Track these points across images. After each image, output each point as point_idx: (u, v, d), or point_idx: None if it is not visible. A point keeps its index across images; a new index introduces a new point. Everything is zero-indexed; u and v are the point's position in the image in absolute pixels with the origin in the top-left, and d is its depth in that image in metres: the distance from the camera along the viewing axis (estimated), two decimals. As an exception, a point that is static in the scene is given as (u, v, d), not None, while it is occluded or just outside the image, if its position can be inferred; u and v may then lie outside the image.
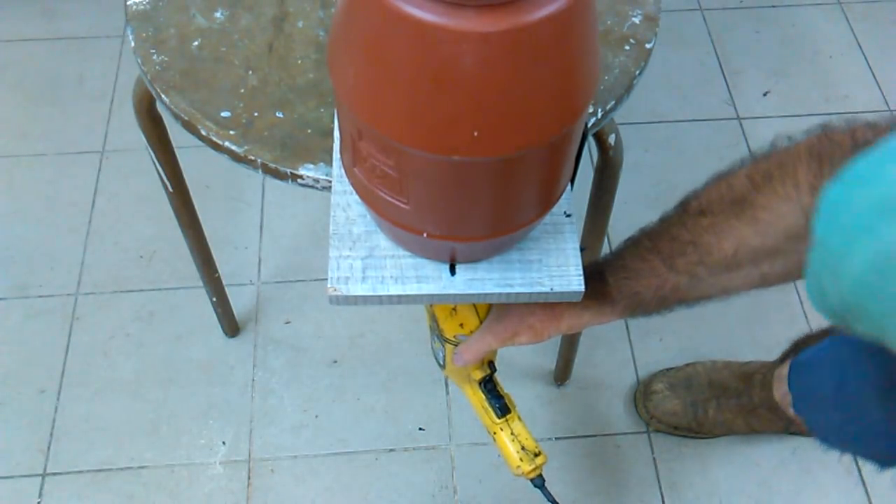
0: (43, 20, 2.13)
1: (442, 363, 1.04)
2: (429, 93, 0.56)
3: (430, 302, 0.78)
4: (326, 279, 0.74)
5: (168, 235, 1.72)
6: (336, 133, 0.80)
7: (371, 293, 0.74)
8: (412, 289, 0.75)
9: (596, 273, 0.83)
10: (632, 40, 1.00)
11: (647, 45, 1.00)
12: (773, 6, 2.22)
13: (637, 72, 0.98)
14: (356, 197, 0.74)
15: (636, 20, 1.02)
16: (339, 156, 0.78)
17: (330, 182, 0.86)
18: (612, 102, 0.95)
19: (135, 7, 1.04)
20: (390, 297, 0.75)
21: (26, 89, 2.01)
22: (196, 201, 1.32)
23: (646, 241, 0.79)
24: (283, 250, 1.77)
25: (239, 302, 1.67)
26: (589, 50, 0.60)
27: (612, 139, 1.01)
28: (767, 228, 0.67)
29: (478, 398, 1.03)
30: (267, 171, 0.91)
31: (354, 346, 1.66)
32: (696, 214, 0.74)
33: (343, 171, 0.76)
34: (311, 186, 0.90)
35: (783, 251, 0.67)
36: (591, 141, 1.02)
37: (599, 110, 0.94)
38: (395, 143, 0.60)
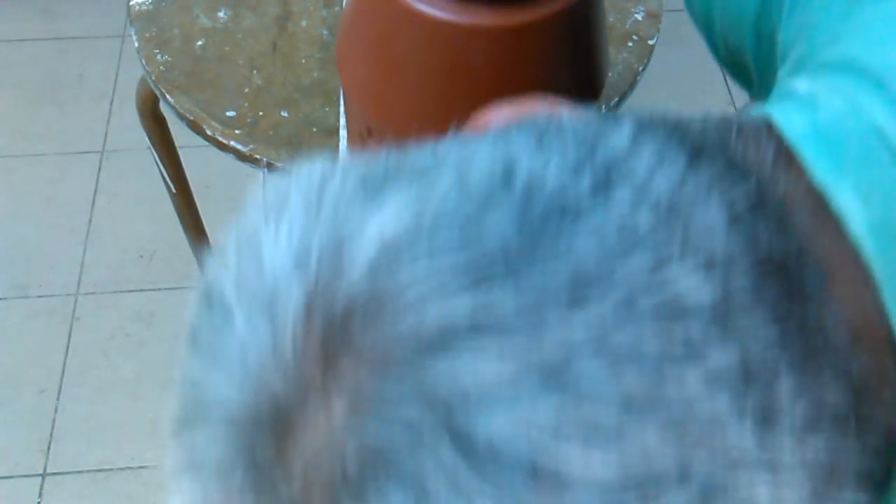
0: (43, 20, 2.13)
1: None
2: (440, 89, 0.56)
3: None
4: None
5: (168, 235, 1.71)
6: (342, 132, 0.80)
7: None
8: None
9: None
10: (634, 37, 1.00)
11: (650, 42, 1.00)
12: (772, 7, 2.23)
13: (640, 68, 0.98)
14: (363, 195, 0.74)
15: (638, 17, 1.02)
16: (345, 154, 0.78)
17: (336, 180, 0.85)
18: (616, 99, 0.95)
19: (138, 7, 1.04)
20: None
21: (26, 89, 2.01)
22: (196, 201, 1.32)
23: None
24: (284, 250, 1.77)
25: (239, 302, 1.67)
26: (598, 45, 0.61)
27: (615, 137, 1.02)
28: None
29: None
30: (273, 170, 0.91)
31: (355, 345, 1.65)
32: None
33: (350, 168, 0.76)
34: (317, 185, 0.90)
35: None
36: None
37: (603, 106, 0.94)
38: (406, 140, 0.60)
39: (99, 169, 1.88)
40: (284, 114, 0.95)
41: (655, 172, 0.31)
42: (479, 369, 0.26)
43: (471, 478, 0.25)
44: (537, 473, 0.26)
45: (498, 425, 0.26)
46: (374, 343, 0.27)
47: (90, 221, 1.80)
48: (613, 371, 0.26)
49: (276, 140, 0.92)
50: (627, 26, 1.01)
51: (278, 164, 0.91)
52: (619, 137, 0.32)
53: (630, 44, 1.00)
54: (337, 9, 1.04)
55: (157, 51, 1.00)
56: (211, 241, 1.42)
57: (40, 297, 1.70)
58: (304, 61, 1.00)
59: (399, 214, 0.29)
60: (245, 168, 0.94)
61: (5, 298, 1.70)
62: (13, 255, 1.76)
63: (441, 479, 0.26)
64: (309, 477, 0.27)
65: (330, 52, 1.00)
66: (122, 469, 1.51)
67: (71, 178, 1.87)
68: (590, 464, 0.26)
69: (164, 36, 1.02)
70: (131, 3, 1.04)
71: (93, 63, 2.05)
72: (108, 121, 1.96)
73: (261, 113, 0.95)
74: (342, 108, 0.81)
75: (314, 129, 0.93)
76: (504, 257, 0.28)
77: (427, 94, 0.57)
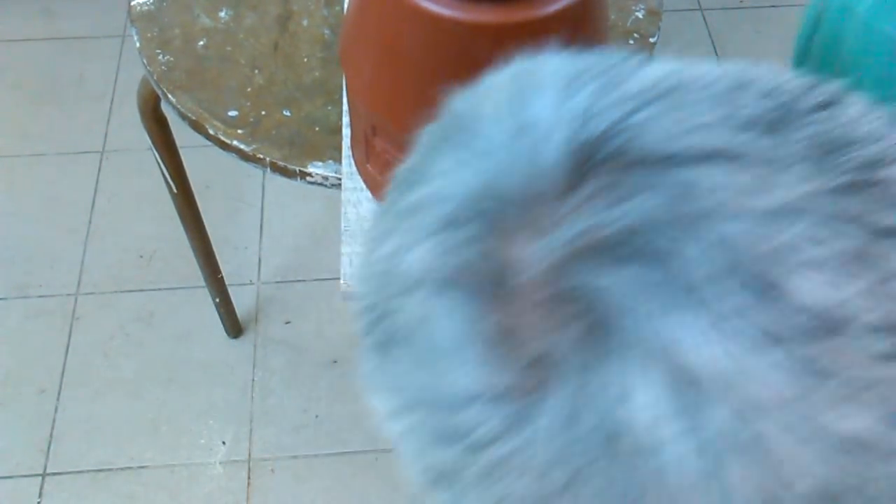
0: (43, 20, 2.13)
1: None
2: (444, 86, 0.56)
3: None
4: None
5: (168, 235, 1.71)
6: (346, 130, 0.80)
7: (382, 289, 0.74)
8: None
9: None
10: (636, 35, 1.01)
11: (651, 39, 1.00)
12: (774, 6, 2.23)
13: (642, 69, 0.98)
14: (367, 193, 0.74)
15: (639, 15, 1.02)
16: (349, 153, 0.78)
17: (338, 179, 0.86)
18: (618, 100, 0.95)
19: (139, 7, 1.04)
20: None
21: (26, 89, 2.01)
22: (197, 201, 1.32)
23: None
24: (283, 250, 1.77)
25: (239, 302, 1.67)
26: (601, 42, 0.61)
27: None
28: None
29: None
30: (276, 169, 0.91)
31: (354, 345, 1.64)
32: None
33: (354, 167, 0.76)
34: (320, 184, 0.90)
35: None
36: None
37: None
38: (411, 137, 0.60)
39: (99, 169, 1.88)
40: (287, 113, 0.95)
41: None
42: (717, 182, 0.30)
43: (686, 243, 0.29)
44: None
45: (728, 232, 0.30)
46: (626, 156, 0.31)
47: (90, 221, 1.80)
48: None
49: (278, 139, 0.92)
50: (628, 24, 1.01)
51: (281, 164, 0.91)
52: None
53: (631, 41, 1.00)
54: (338, 8, 1.04)
55: (159, 51, 1.00)
56: (211, 240, 1.42)
57: (40, 297, 1.70)
58: (305, 60, 1.00)
59: (659, 77, 0.33)
60: (245, 168, 0.94)
61: (5, 298, 1.70)
62: (13, 255, 1.76)
63: (674, 256, 0.29)
64: (572, 237, 0.30)
65: (331, 51, 1.00)
66: (122, 469, 1.51)
67: (71, 178, 1.87)
68: None
69: (165, 36, 1.02)
70: (132, 3, 1.04)
71: (93, 63, 2.05)
72: (108, 121, 1.96)
73: (263, 112, 0.95)
74: (345, 107, 0.81)
75: (317, 128, 0.94)
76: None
77: (431, 91, 0.57)
